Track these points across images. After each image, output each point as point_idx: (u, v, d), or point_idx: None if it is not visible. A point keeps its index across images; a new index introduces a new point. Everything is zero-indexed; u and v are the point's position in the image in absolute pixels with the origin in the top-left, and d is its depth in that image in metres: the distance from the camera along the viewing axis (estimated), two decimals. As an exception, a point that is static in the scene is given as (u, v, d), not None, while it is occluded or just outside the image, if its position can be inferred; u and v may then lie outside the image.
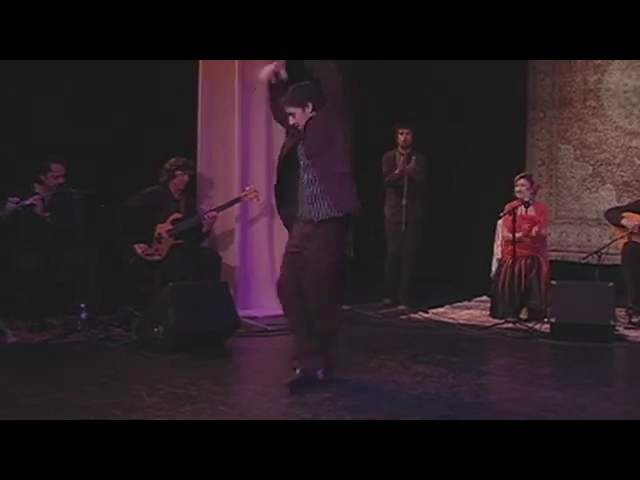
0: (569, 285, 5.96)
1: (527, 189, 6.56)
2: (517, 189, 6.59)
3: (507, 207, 6.51)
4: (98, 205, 5.54)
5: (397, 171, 7.00)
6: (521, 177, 6.68)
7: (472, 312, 7.04)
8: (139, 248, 5.98)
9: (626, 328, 6.07)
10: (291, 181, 4.28)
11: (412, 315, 6.80)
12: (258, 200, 6.56)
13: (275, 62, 4.37)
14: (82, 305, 5.50)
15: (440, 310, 7.09)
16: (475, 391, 4.22)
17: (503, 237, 6.71)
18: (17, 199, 5.54)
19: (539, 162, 8.59)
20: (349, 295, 6.58)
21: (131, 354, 4.99)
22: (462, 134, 8.30)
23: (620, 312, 6.16)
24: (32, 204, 5.62)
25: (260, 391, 4.17)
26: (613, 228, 6.86)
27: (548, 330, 5.79)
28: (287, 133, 4.46)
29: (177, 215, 6.17)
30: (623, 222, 6.46)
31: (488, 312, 6.76)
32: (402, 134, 7.17)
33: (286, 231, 4.55)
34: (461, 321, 6.54)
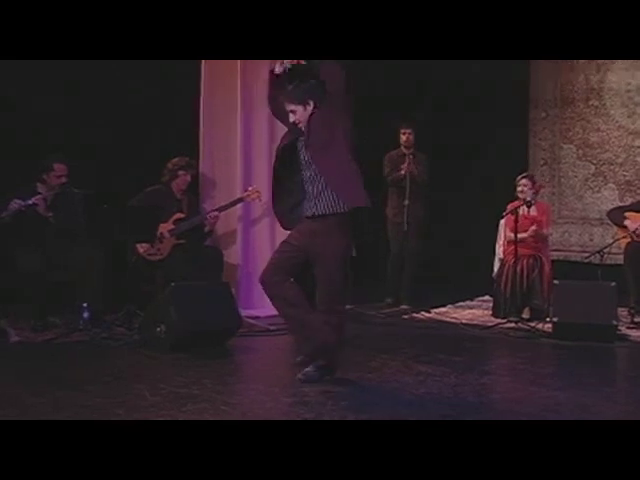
0: (571, 285, 5.96)
1: (529, 189, 6.55)
2: (519, 189, 6.58)
3: (509, 207, 6.51)
4: (100, 205, 5.54)
5: (403, 170, 6.99)
6: (523, 177, 6.67)
7: (474, 312, 7.04)
8: (141, 248, 5.99)
9: (628, 328, 6.06)
10: (287, 178, 4.28)
11: (414, 315, 6.80)
12: (260, 200, 6.55)
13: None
14: (84, 304, 5.51)
15: (442, 310, 7.09)
16: (477, 391, 4.22)
17: (505, 237, 6.70)
18: (20, 199, 5.55)
19: (541, 162, 8.58)
20: (351, 295, 6.58)
21: (133, 353, 4.99)
22: (464, 134, 8.30)
23: (622, 312, 6.16)
24: (35, 204, 5.63)
25: (262, 391, 4.17)
26: (615, 228, 6.85)
27: (550, 330, 5.78)
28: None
29: (179, 215, 6.18)
30: (626, 222, 6.46)
31: (490, 312, 6.76)
32: (405, 134, 7.18)
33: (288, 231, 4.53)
34: (463, 321, 6.54)
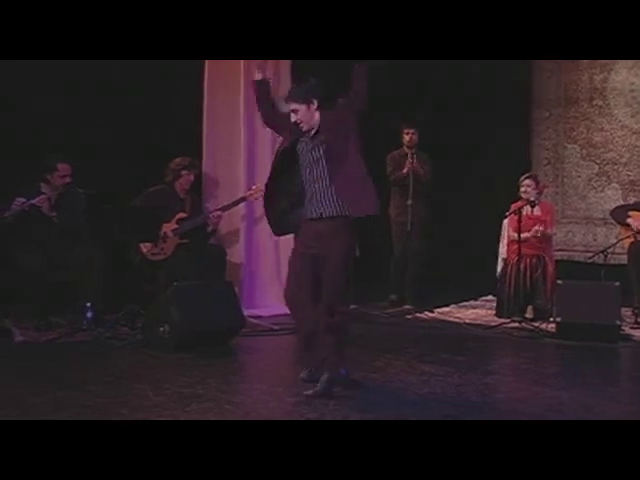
0: (575, 285, 5.95)
1: (533, 189, 6.54)
2: (522, 190, 6.57)
3: (513, 207, 6.50)
4: (103, 205, 5.55)
5: (405, 170, 6.99)
6: (526, 177, 6.66)
7: (478, 311, 7.03)
8: (145, 247, 5.99)
9: (632, 328, 6.05)
10: (285, 179, 4.21)
11: (418, 314, 6.79)
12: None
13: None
14: (88, 304, 5.52)
15: (446, 309, 7.08)
16: (481, 390, 4.22)
17: (509, 237, 6.69)
18: (24, 199, 5.56)
19: (545, 161, 8.57)
20: (355, 295, 6.57)
21: (137, 353, 5.00)
22: (467, 134, 8.28)
23: (626, 312, 6.15)
24: (39, 205, 5.63)
25: (265, 390, 4.17)
26: (619, 227, 6.84)
27: (554, 330, 5.78)
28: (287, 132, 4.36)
29: (182, 214, 6.18)
30: (629, 221, 6.45)
31: (494, 311, 6.75)
32: (407, 134, 7.17)
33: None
34: (467, 320, 6.53)
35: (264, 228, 6.84)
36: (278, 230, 4.37)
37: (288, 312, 6.42)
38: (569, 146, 8.44)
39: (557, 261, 6.85)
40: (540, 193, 6.71)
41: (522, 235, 6.30)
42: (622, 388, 4.48)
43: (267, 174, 6.67)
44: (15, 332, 5.37)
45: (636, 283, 6.23)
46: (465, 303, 7.46)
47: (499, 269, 6.85)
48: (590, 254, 7.22)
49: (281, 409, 3.86)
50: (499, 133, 8.22)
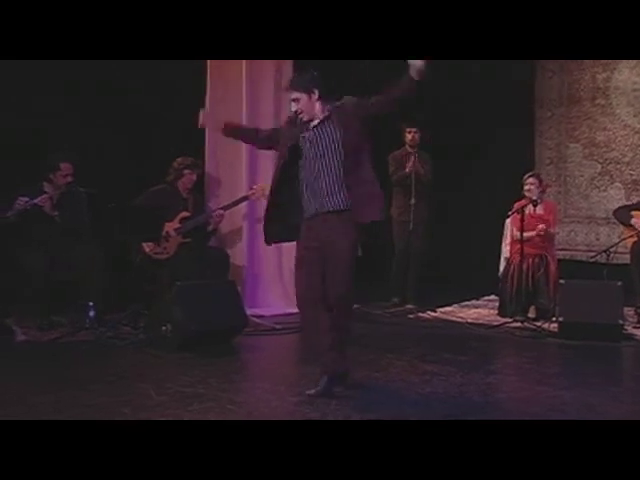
0: (577, 284, 5.95)
1: (536, 188, 6.54)
2: (526, 188, 6.56)
3: (516, 206, 6.50)
4: (105, 204, 5.55)
5: (408, 169, 6.98)
6: (530, 176, 6.66)
7: (480, 311, 7.03)
8: (147, 247, 5.99)
9: (635, 327, 6.04)
10: (290, 180, 4.13)
11: (420, 314, 6.79)
12: (265, 199, 6.55)
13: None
14: (90, 303, 5.52)
15: (448, 309, 7.08)
16: (483, 390, 4.22)
17: (512, 236, 6.69)
18: (26, 198, 5.57)
19: (547, 161, 8.56)
20: (357, 294, 6.57)
21: (139, 353, 5.00)
22: (469, 133, 8.28)
23: (629, 311, 6.14)
24: (41, 204, 5.64)
25: (268, 389, 4.17)
26: (622, 227, 6.83)
27: (556, 329, 5.77)
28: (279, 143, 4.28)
29: (185, 214, 6.18)
30: (632, 221, 6.44)
31: (496, 311, 6.75)
32: (410, 133, 7.17)
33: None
34: (469, 320, 6.53)
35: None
36: (272, 238, 4.31)
37: (290, 311, 6.53)
38: (572, 145, 8.43)
39: (559, 260, 6.84)
40: (543, 192, 6.71)
41: (525, 234, 6.29)
42: (625, 388, 4.47)
43: (269, 173, 6.78)
44: (17, 331, 5.37)
45: (639, 283, 6.23)
46: (467, 303, 7.45)
47: (501, 268, 6.84)
48: (592, 253, 7.22)
49: (283, 408, 3.85)
50: (501, 133, 8.21)
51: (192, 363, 4.73)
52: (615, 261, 6.63)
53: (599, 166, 8.26)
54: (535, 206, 6.52)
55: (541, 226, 6.47)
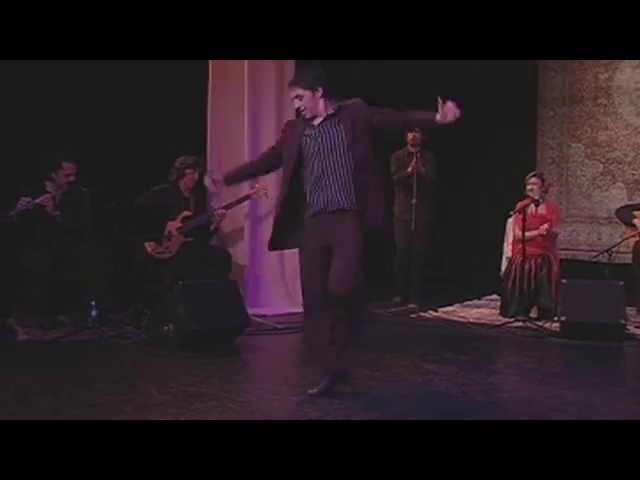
0: (579, 284, 5.94)
1: (539, 188, 6.53)
2: (529, 187, 6.56)
3: (518, 206, 6.49)
4: (107, 204, 5.55)
5: (410, 169, 6.98)
6: (533, 175, 6.65)
7: (482, 311, 7.03)
8: (149, 246, 6.00)
9: (636, 327, 6.04)
10: (299, 183, 4.07)
11: (422, 314, 6.79)
12: (267, 197, 6.56)
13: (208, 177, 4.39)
14: (92, 303, 5.53)
15: (450, 309, 7.08)
16: (485, 390, 4.22)
17: (514, 236, 6.68)
18: (28, 198, 5.57)
19: (549, 160, 8.56)
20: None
21: (141, 352, 5.01)
22: (472, 133, 8.26)
23: (630, 311, 6.14)
24: (43, 204, 5.64)
25: (270, 389, 4.17)
26: (624, 227, 6.83)
27: (558, 329, 5.77)
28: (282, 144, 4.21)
29: (187, 213, 6.19)
30: (634, 221, 6.44)
31: (498, 311, 6.75)
32: (411, 133, 7.17)
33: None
34: (471, 320, 6.53)
35: (268, 226, 6.84)
36: (276, 245, 4.22)
37: (292, 311, 6.53)
38: (574, 145, 8.43)
39: (561, 260, 6.84)
40: (546, 192, 6.70)
41: (528, 233, 6.29)
42: (627, 387, 4.46)
43: (271, 172, 6.80)
44: (19, 331, 5.38)
45: (641, 282, 6.23)
46: (469, 302, 7.46)
47: (503, 268, 6.84)
48: (594, 253, 7.22)
49: (285, 408, 3.85)
50: (503, 132, 8.21)
51: (194, 362, 4.73)
52: (617, 261, 6.63)
53: (601, 166, 8.26)
54: (537, 206, 6.51)
55: (545, 225, 6.45)
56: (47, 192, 5.74)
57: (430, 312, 6.82)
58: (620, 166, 8.16)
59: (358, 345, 5.00)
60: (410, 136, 7.17)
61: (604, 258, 6.63)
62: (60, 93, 6.07)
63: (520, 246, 6.33)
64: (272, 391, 4.13)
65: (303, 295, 4.18)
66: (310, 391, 4.00)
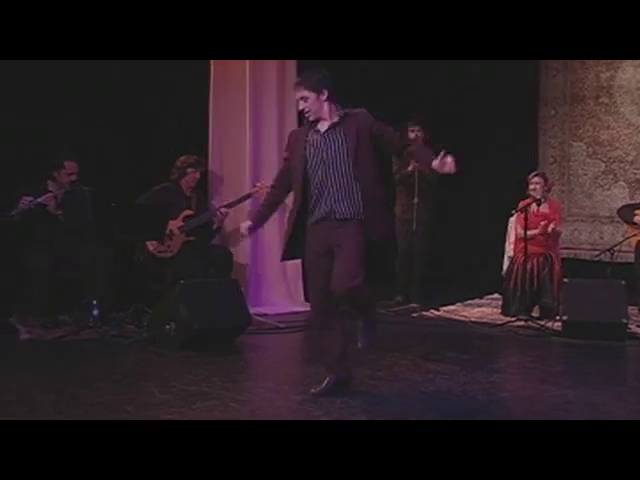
0: (581, 283, 5.94)
1: (541, 187, 6.51)
2: (531, 187, 6.54)
3: (521, 204, 6.48)
4: (109, 203, 5.55)
5: (410, 167, 6.98)
6: (535, 175, 6.64)
7: (484, 310, 7.03)
8: (151, 245, 6.00)
9: (638, 326, 6.02)
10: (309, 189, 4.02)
11: (424, 313, 6.78)
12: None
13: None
14: (94, 302, 5.53)
15: (452, 308, 7.07)
16: (487, 389, 4.21)
17: (517, 235, 6.67)
18: (30, 198, 5.57)
19: (551, 160, 8.54)
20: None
21: (143, 351, 5.01)
22: (473, 132, 8.27)
23: (632, 310, 6.14)
24: (45, 203, 5.64)
25: (271, 388, 4.18)
26: (626, 226, 6.82)
27: (560, 328, 5.76)
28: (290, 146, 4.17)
29: (189, 212, 6.19)
30: (636, 220, 6.43)
31: (500, 310, 6.74)
32: (413, 131, 7.16)
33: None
34: (473, 319, 6.52)
35: (270, 225, 6.85)
36: (289, 254, 4.17)
37: (294, 310, 6.53)
38: (575, 144, 8.42)
39: (563, 259, 6.84)
40: (548, 191, 6.69)
41: (529, 232, 6.28)
42: (629, 387, 4.46)
43: (273, 171, 6.79)
44: (21, 330, 5.38)
45: (643, 281, 6.22)
46: (471, 301, 7.45)
47: (505, 267, 6.84)
48: (596, 252, 7.22)
49: (287, 407, 3.86)
50: (505, 131, 8.20)
51: (196, 362, 4.73)
52: (619, 260, 6.63)
53: (603, 165, 8.25)
54: (539, 205, 6.50)
55: (543, 223, 6.44)
56: (49, 191, 5.74)
57: (432, 311, 6.81)
58: (622, 165, 8.15)
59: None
60: (412, 135, 7.16)
61: (606, 257, 6.62)
62: (60, 93, 6.06)
63: (522, 245, 6.32)
64: (274, 390, 4.13)
65: (308, 299, 4.17)
66: (312, 390, 4.00)
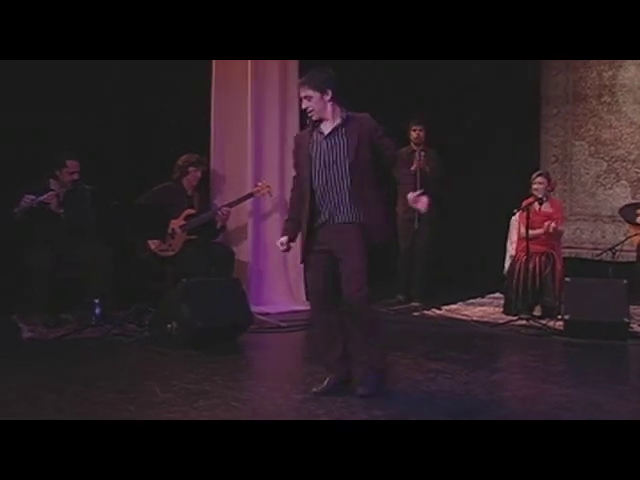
0: (583, 282, 5.93)
1: (544, 187, 6.49)
2: (534, 187, 6.52)
3: (524, 204, 6.47)
4: (110, 202, 5.55)
5: (413, 167, 6.98)
6: (539, 175, 6.61)
7: (485, 309, 7.02)
8: (153, 244, 6.00)
9: (640, 325, 6.04)
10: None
11: (425, 312, 6.78)
12: (271, 195, 6.57)
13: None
14: (95, 301, 5.54)
15: (453, 307, 7.07)
16: (488, 388, 4.21)
17: (519, 234, 6.66)
18: (32, 196, 5.57)
19: (553, 159, 8.54)
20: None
21: (144, 350, 5.01)
22: (474, 131, 8.27)
23: (634, 309, 6.12)
24: (47, 202, 5.64)
25: (273, 387, 4.18)
26: (628, 225, 6.82)
27: (562, 327, 5.76)
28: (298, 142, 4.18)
29: (190, 211, 6.20)
30: (638, 219, 6.43)
31: (501, 309, 6.73)
32: (415, 131, 7.18)
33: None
34: (474, 318, 6.51)
35: (271, 224, 6.88)
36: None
37: (295, 309, 6.54)
38: (577, 143, 8.41)
39: (565, 258, 6.83)
40: (552, 190, 6.68)
41: (532, 232, 6.28)
42: (630, 386, 4.46)
43: (274, 170, 6.82)
44: (23, 328, 5.38)
45: (645, 281, 6.21)
46: (472, 300, 7.45)
47: (506, 266, 6.83)
48: (598, 252, 7.22)
49: (288, 406, 3.86)
50: (507, 130, 8.19)
51: (197, 360, 4.74)
52: (621, 259, 6.63)
53: (605, 164, 8.25)
54: (541, 204, 6.49)
55: (552, 224, 6.42)
56: (51, 190, 5.75)
57: (433, 310, 6.81)
58: (624, 164, 8.15)
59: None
60: (414, 134, 7.17)
61: (608, 256, 6.61)
62: (60, 93, 6.06)
63: (524, 244, 6.32)
64: (275, 389, 4.13)
65: (308, 297, 4.18)
66: (314, 389, 4.01)
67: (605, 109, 8.24)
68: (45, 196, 5.63)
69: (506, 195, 7.07)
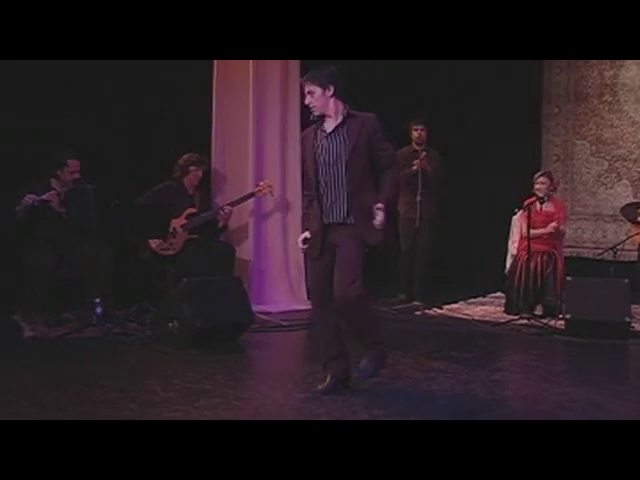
0: (584, 281, 5.94)
1: (547, 187, 6.49)
2: (537, 186, 6.51)
3: (526, 203, 6.47)
4: (111, 202, 5.55)
5: (415, 167, 6.98)
6: (541, 175, 6.61)
7: (486, 308, 7.02)
8: (154, 243, 6.01)
9: (641, 325, 6.04)
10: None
11: (426, 311, 6.78)
12: (272, 195, 6.58)
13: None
14: (97, 300, 5.54)
15: (454, 306, 7.07)
16: (489, 388, 4.22)
17: (521, 233, 6.65)
18: (34, 195, 5.58)
19: (554, 158, 8.54)
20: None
21: (146, 349, 5.02)
22: (476, 130, 8.27)
23: (636, 309, 6.13)
24: (49, 200, 5.65)
25: (274, 386, 4.19)
26: (629, 224, 6.81)
27: (563, 326, 5.76)
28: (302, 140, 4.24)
29: (191, 210, 6.20)
30: (639, 219, 6.42)
31: (503, 308, 6.74)
32: (416, 130, 7.18)
33: (300, 226, 4.42)
34: (476, 317, 6.52)
35: (273, 224, 6.89)
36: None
37: (297, 308, 6.54)
38: (579, 142, 8.41)
39: (566, 258, 6.83)
40: (554, 190, 6.68)
41: (535, 231, 6.28)
42: (631, 386, 4.46)
43: (276, 170, 6.81)
44: (25, 327, 5.39)
45: (645, 280, 6.21)
46: (474, 300, 7.45)
47: (508, 265, 6.83)
48: (599, 251, 7.22)
49: (290, 405, 3.86)
50: (508, 129, 8.19)
51: (199, 360, 4.74)
52: (622, 258, 6.63)
53: (606, 163, 8.25)
54: (542, 203, 6.49)
55: (553, 224, 6.42)
56: (53, 189, 5.75)
57: (434, 309, 6.81)
58: (625, 163, 8.14)
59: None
60: (415, 134, 7.18)
61: (609, 256, 6.61)
62: (60, 93, 6.06)
63: (525, 243, 6.32)
64: (277, 388, 4.14)
65: (309, 294, 4.19)
66: (315, 389, 4.01)
67: (606, 108, 8.24)
68: (46, 195, 5.64)
69: (507, 194, 7.07)
